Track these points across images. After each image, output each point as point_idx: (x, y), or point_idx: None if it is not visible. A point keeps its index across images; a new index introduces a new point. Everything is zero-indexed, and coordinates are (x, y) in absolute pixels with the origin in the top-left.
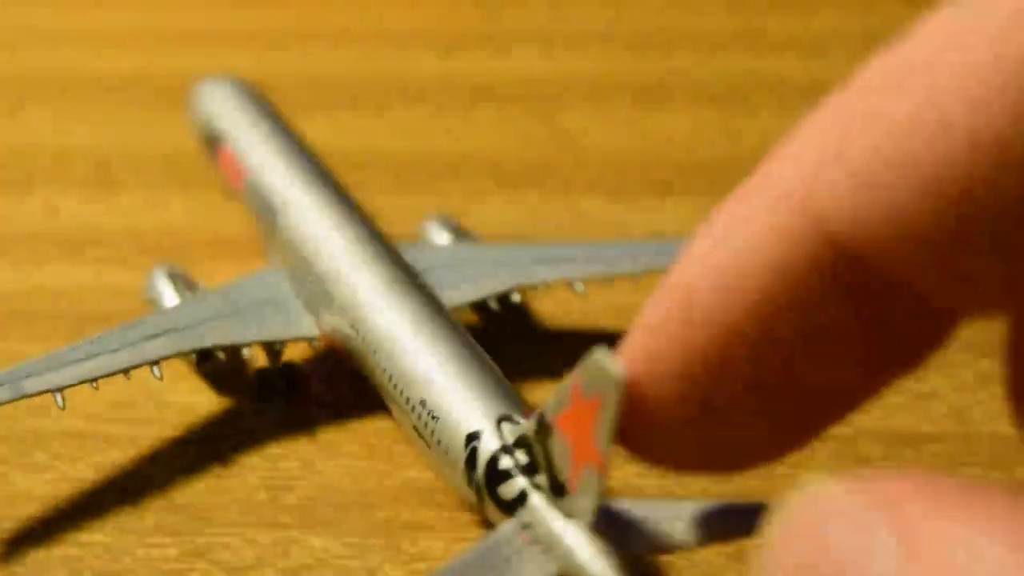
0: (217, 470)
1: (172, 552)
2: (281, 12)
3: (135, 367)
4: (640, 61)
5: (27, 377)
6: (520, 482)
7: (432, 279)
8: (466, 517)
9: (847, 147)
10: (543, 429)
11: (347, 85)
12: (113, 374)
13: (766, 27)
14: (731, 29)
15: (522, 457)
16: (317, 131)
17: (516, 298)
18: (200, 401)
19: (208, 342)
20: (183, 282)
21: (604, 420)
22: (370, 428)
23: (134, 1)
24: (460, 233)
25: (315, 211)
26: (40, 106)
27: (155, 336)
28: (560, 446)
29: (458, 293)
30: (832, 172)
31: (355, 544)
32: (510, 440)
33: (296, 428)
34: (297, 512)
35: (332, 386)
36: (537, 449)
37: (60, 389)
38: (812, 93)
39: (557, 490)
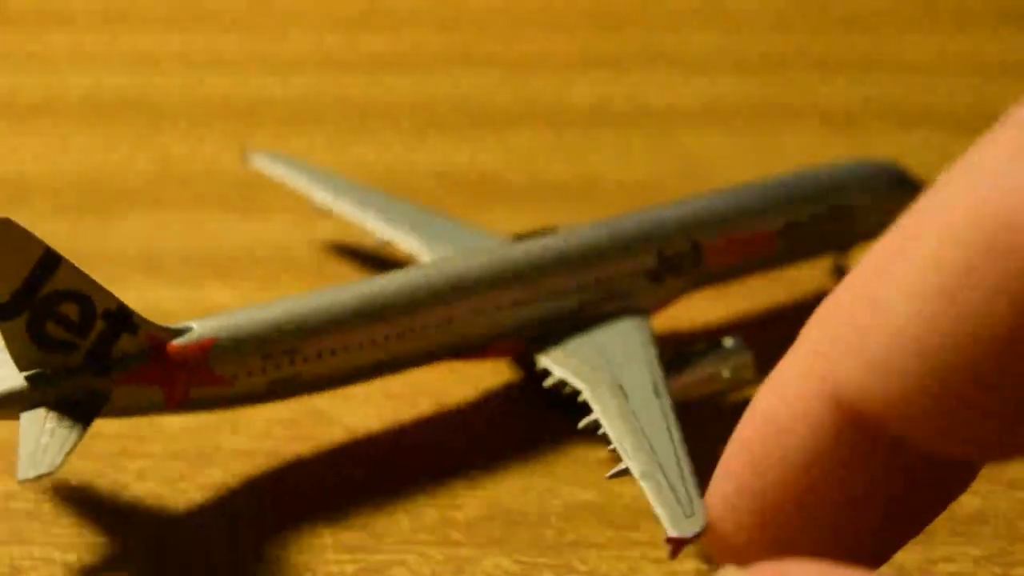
0: (386, 487)
1: (350, 569)
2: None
3: None
4: (756, 83)
5: None
6: None
7: None
8: (635, 535)
9: (861, 340)
10: None
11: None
12: None
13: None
14: (848, 53)
15: None
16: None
17: None
18: (364, 421)
19: None
20: None
21: None
22: (531, 447)
23: None
24: None
25: None
26: None
27: None
28: None
29: None
30: (850, 362)
31: (526, 563)
32: None
33: (462, 447)
34: (467, 530)
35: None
36: None
37: None
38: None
39: None
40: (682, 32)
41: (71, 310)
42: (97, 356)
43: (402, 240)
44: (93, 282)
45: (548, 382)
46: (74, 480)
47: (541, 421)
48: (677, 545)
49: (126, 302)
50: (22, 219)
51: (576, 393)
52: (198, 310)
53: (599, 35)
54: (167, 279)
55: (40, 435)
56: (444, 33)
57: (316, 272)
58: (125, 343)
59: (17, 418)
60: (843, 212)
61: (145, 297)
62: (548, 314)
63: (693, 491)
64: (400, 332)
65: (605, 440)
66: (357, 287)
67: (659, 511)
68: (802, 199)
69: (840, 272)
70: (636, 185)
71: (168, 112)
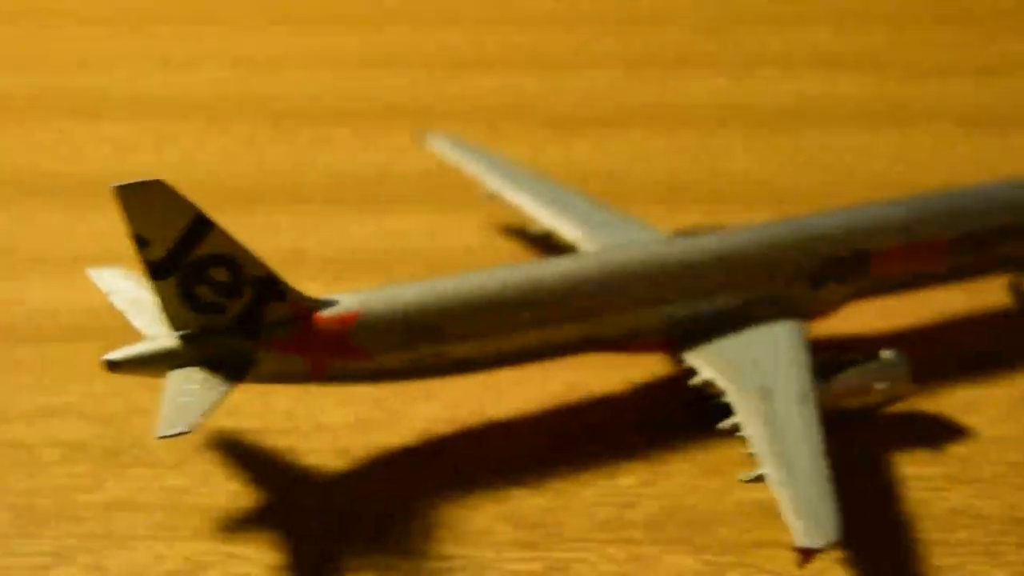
0: (556, 485)
1: (537, 567)
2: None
3: None
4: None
5: None
6: None
7: None
8: None
9: None
10: None
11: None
12: None
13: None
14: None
15: None
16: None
17: None
18: (515, 412)
19: None
20: None
21: None
22: (697, 447)
23: None
24: None
25: None
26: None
27: None
28: None
29: None
30: None
31: (712, 561)
32: None
33: (618, 441)
34: (645, 529)
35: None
36: None
37: None
38: None
39: None
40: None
41: (221, 274)
42: (246, 320)
43: (567, 230)
44: (243, 248)
45: (694, 381)
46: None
47: (691, 418)
48: (806, 555)
49: None
50: None
51: (720, 393)
52: None
53: (709, 36)
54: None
55: (182, 394)
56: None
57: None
58: (273, 310)
59: (159, 374)
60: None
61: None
62: (700, 312)
63: (829, 502)
64: (551, 319)
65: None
66: (508, 270)
67: (790, 519)
68: (976, 212)
69: (1018, 291)
70: (760, 184)
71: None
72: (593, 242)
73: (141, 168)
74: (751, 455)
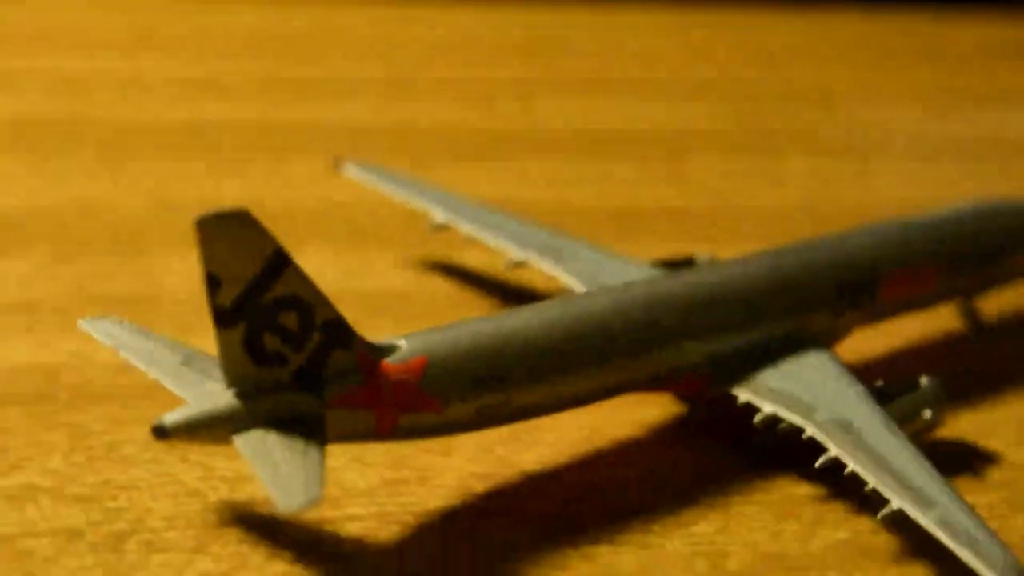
0: (631, 537)
1: None
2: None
3: None
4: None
5: None
6: None
7: None
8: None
9: None
10: None
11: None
12: None
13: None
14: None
15: None
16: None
17: None
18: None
19: None
20: None
21: None
22: (776, 492)
23: None
24: None
25: None
26: None
27: None
28: None
29: None
30: None
31: None
32: None
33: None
34: None
35: None
36: None
37: None
38: None
39: None
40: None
41: (291, 319)
42: (307, 373)
43: (536, 261)
44: (315, 287)
45: (758, 419)
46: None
47: (726, 459)
48: None
49: None
50: None
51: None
52: None
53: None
54: None
55: (278, 461)
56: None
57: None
58: (337, 359)
59: (223, 442)
60: (997, 253)
61: None
62: (741, 344)
63: (987, 530)
64: (614, 359)
65: (833, 478)
66: (559, 309)
67: (968, 559)
68: (976, 237)
69: (971, 314)
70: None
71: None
72: (571, 275)
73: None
74: (870, 490)
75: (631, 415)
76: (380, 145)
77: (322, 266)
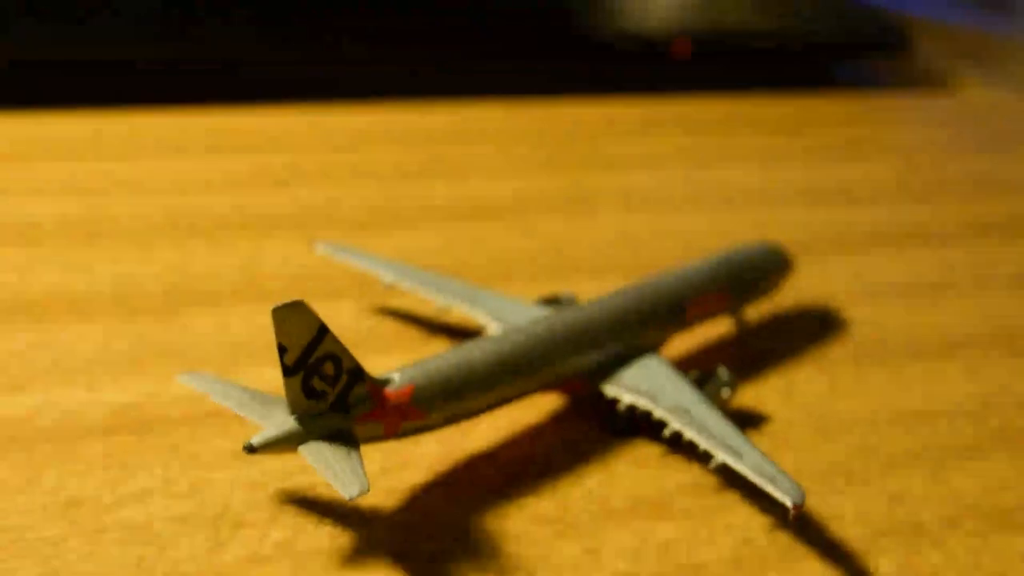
0: (549, 490)
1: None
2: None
3: None
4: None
5: None
6: None
7: None
8: (729, 497)
9: None
10: None
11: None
12: None
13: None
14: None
15: None
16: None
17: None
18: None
19: None
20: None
21: None
22: (636, 452)
23: None
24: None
25: None
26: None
27: None
28: None
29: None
30: None
31: None
32: None
33: (584, 456)
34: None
35: None
36: None
37: None
38: None
39: None
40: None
41: (329, 367)
42: (339, 402)
43: (457, 306)
44: (343, 346)
45: (621, 406)
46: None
47: (601, 436)
48: (796, 510)
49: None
50: None
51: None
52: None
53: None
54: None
55: (334, 463)
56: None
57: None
58: (357, 391)
59: (289, 451)
60: (760, 277)
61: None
62: (606, 356)
63: (783, 472)
64: (529, 373)
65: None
66: (496, 343)
67: (769, 489)
68: (742, 269)
69: (740, 320)
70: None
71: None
72: (483, 314)
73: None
74: (703, 452)
75: (535, 411)
76: (318, 221)
77: None
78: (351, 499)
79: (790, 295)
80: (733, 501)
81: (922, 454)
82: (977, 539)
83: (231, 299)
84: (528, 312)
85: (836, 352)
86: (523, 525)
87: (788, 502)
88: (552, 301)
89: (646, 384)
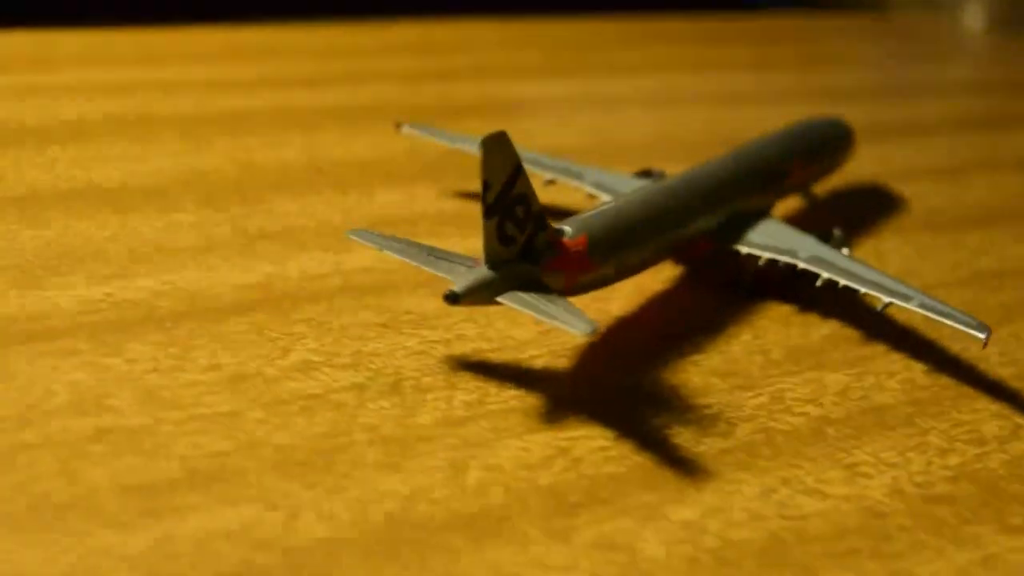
0: (681, 351)
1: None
2: None
3: None
4: None
5: None
6: None
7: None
8: (878, 347)
9: None
10: None
11: None
12: None
13: None
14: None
15: None
16: None
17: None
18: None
19: None
20: None
21: None
22: (774, 311)
23: None
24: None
25: None
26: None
27: None
28: None
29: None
30: None
31: None
32: None
33: (721, 319)
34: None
35: None
36: None
37: None
38: None
39: None
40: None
41: (521, 211)
42: (528, 249)
43: (563, 180)
44: (531, 187)
45: (760, 263)
46: None
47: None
48: (987, 340)
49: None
50: None
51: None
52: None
53: None
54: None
55: (550, 307)
56: None
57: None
58: (541, 239)
59: (488, 302)
60: (836, 148)
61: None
62: (730, 217)
63: (950, 306)
64: (682, 224)
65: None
66: (646, 194)
67: (955, 324)
68: (824, 140)
69: (810, 193)
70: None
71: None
72: (588, 184)
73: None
74: (865, 295)
75: (659, 279)
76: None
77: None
78: (587, 334)
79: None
80: (882, 351)
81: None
82: None
83: (304, 186)
84: (633, 183)
85: (903, 221)
86: (703, 378)
87: (980, 335)
88: (646, 174)
89: (778, 241)
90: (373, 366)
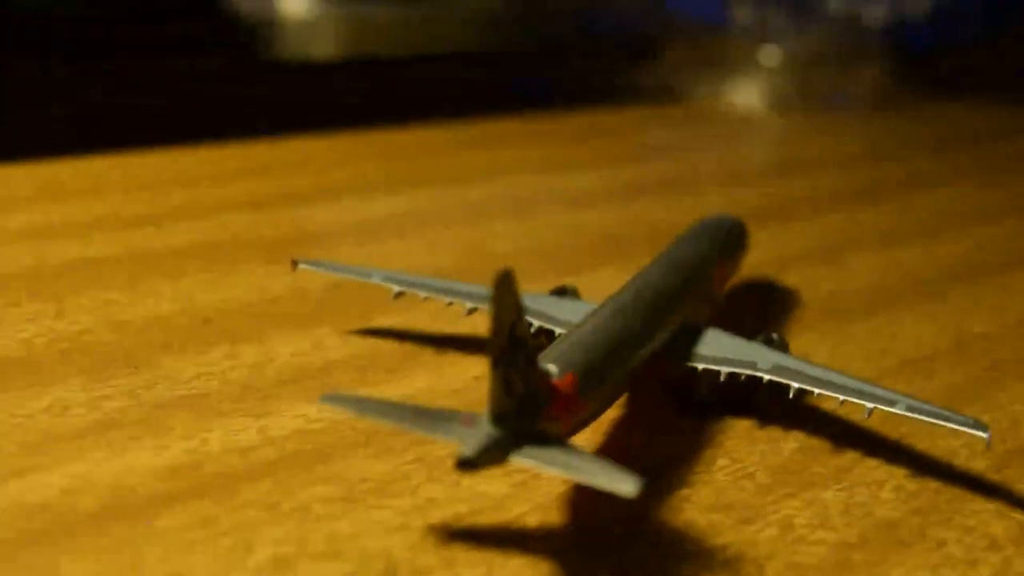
0: (665, 475)
1: None
2: None
3: None
4: None
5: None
6: None
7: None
8: (851, 455)
9: None
10: None
11: None
12: None
13: None
14: None
15: None
16: None
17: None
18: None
19: None
20: None
21: None
22: (733, 430)
23: None
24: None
25: None
26: None
27: None
28: None
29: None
30: None
31: None
32: None
33: (686, 443)
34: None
35: None
36: None
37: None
38: None
39: None
40: None
41: (522, 357)
42: (525, 400)
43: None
44: (528, 328)
45: (722, 378)
46: None
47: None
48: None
49: None
50: None
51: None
52: None
53: None
54: None
55: (573, 466)
56: None
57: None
58: (535, 385)
59: (499, 463)
60: (735, 249)
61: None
62: (676, 333)
63: (934, 405)
64: (646, 343)
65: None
66: (609, 318)
67: (951, 425)
68: (722, 241)
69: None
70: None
71: None
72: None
73: None
74: (842, 403)
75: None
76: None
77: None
78: (636, 494)
79: None
80: (858, 457)
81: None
82: None
83: (194, 342)
84: (560, 304)
85: (805, 313)
86: (704, 516)
87: (983, 434)
88: (561, 292)
89: (732, 353)
90: (356, 551)
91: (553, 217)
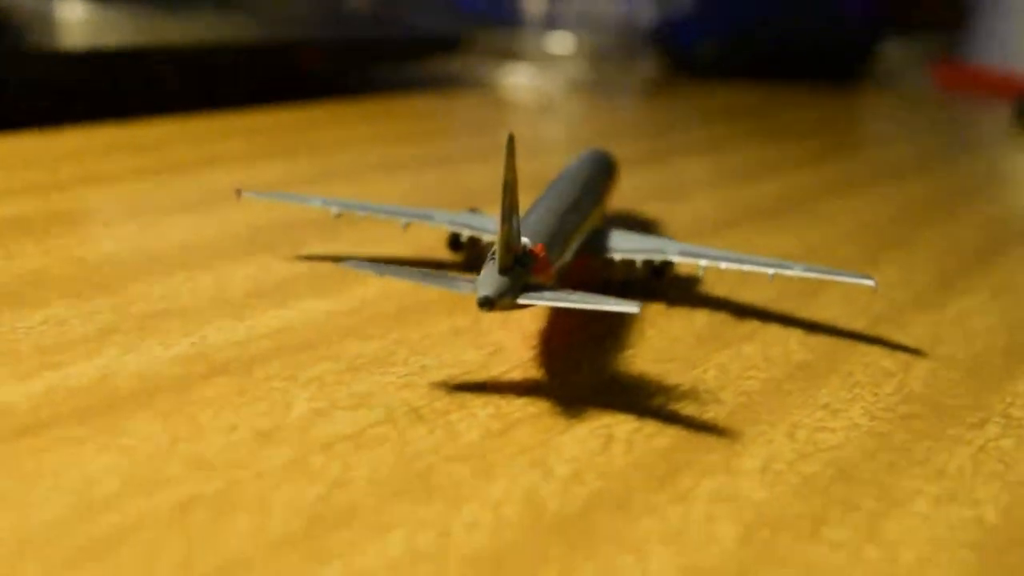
0: (600, 346)
1: None
2: None
3: None
4: None
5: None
6: None
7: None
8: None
9: None
10: None
11: None
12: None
13: None
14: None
15: None
16: None
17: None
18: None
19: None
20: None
21: None
22: (648, 309)
23: None
24: None
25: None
26: None
27: None
28: None
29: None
30: None
31: None
32: None
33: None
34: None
35: None
36: None
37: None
38: None
39: None
40: None
41: (516, 219)
42: (520, 257)
43: (417, 222)
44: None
45: (638, 264)
46: None
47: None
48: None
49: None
50: None
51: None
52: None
53: None
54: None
55: (575, 300)
56: None
57: None
58: (524, 246)
59: (510, 307)
60: (613, 175)
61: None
62: (598, 232)
63: (822, 266)
64: (579, 234)
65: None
66: (554, 199)
67: (844, 279)
68: (605, 167)
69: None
70: None
71: None
72: (443, 224)
73: None
74: (746, 271)
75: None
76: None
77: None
78: (638, 312)
79: None
80: (759, 325)
81: None
82: None
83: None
84: (482, 219)
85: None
86: (656, 366)
87: (869, 282)
88: (474, 211)
89: (641, 245)
90: (378, 403)
91: (377, 185)
